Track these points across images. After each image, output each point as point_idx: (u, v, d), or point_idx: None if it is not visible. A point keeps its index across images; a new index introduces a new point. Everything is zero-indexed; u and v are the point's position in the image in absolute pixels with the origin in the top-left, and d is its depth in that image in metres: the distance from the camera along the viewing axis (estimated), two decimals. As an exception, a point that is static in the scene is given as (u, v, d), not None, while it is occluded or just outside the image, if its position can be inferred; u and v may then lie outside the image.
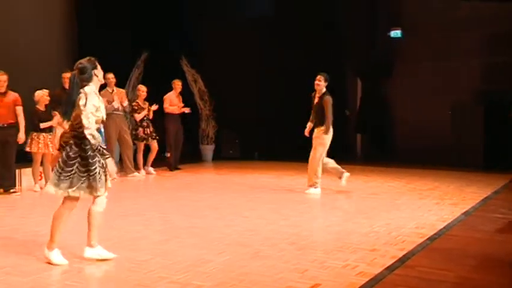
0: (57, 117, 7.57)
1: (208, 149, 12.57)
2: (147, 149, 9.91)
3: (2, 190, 7.35)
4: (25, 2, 10.55)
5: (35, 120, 7.61)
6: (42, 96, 7.70)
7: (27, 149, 7.59)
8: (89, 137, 3.95)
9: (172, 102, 10.16)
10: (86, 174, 4.00)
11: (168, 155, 10.27)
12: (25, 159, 7.79)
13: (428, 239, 4.90)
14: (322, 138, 7.39)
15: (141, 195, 7.91)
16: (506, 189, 8.13)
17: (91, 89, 4.08)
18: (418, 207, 6.47)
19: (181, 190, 7.99)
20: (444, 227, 5.38)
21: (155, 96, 10.08)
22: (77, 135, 4.00)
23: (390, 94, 12.32)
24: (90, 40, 11.16)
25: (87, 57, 4.18)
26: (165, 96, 10.13)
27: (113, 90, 9.22)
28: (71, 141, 4.03)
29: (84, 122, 3.94)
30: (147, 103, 9.83)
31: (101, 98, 4.21)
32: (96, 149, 3.99)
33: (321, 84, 7.46)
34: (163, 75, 10.89)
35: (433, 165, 10.57)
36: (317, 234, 5.30)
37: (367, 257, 4.25)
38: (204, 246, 4.55)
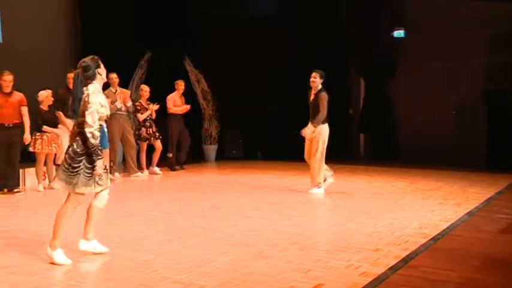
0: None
1: (211, 149, 12.58)
2: (151, 149, 9.92)
3: (5, 190, 7.37)
4: (28, 2, 10.58)
5: (39, 121, 7.63)
6: (46, 96, 7.73)
7: (31, 149, 7.62)
8: (88, 135, 3.98)
9: (176, 103, 10.18)
10: (91, 170, 4.04)
11: (170, 155, 10.28)
12: (28, 159, 7.82)
13: (431, 239, 4.89)
14: (320, 134, 7.34)
15: (144, 195, 7.92)
16: (509, 190, 8.11)
17: (95, 87, 4.12)
18: (421, 208, 6.46)
19: (184, 190, 8.00)
20: (447, 227, 5.37)
21: (158, 96, 10.10)
22: (83, 132, 4.03)
23: (393, 94, 12.30)
24: (93, 40, 11.18)
25: (91, 56, 4.21)
26: (168, 97, 10.15)
27: (116, 90, 9.23)
28: (78, 138, 4.05)
29: (88, 119, 3.98)
30: (150, 103, 9.84)
31: (103, 94, 4.26)
32: (93, 147, 3.99)
33: (316, 81, 7.44)
34: (166, 75, 10.91)
35: (436, 165, 10.55)
36: (320, 234, 5.30)
37: (370, 257, 4.25)
38: (207, 246, 4.55)
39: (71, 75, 8.21)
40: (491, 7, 10.78)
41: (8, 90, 7.24)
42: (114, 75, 8.97)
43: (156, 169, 9.92)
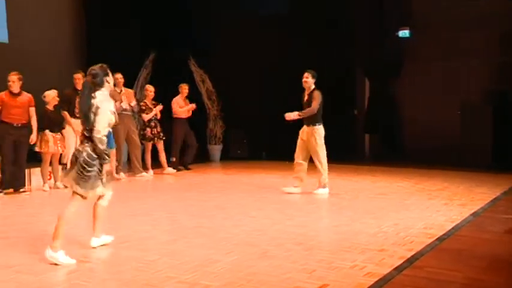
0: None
1: (216, 149, 12.59)
2: (155, 150, 9.94)
3: (12, 190, 7.41)
4: (34, 2, 10.63)
5: (45, 121, 7.66)
6: (53, 97, 7.77)
7: (37, 149, 7.65)
8: (96, 140, 4.10)
9: (180, 106, 10.23)
10: (101, 173, 4.20)
11: (174, 159, 10.29)
12: (35, 158, 7.85)
13: (437, 239, 4.87)
14: (317, 141, 7.30)
15: (148, 195, 7.93)
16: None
17: (104, 95, 4.24)
18: (427, 208, 6.44)
19: (189, 190, 8.01)
20: (453, 228, 5.35)
21: (163, 96, 10.12)
22: (92, 138, 4.15)
23: (398, 94, 12.27)
24: (98, 40, 11.24)
25: (100, 64, 4.35)
26: (172, 101, 10.20)
27: (121, 91, 9.26)
28: (88, 143, 4.17)
29: (97, 126, 4.11)
30: (155, 103, 9.87)
31: (112, 101, 4.39)
32: (100, 152, 4.13)
33: (308, 81, 7.42)
34: (171, 75, 10.93)
35: (442, 165, 10.52)
36: (325, 234, 5.29)
37: (375, 257, 4.24)
38: (211, 246, 4.56)
39: (77, 76, 8.27)
40: (498, 6, 10.73)
41: (16, 90, 7.27)
42: (119, 75, 8.99)
43: (169, 169, 9.96)
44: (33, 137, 7.45)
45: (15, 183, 7.43)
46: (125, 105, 9.13)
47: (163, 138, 9.95)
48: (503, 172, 9.67)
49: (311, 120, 7.35)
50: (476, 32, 11.03)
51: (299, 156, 7.49)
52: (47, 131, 7.67)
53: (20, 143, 7.33)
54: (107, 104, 4.19)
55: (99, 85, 4.23)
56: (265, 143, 12.53)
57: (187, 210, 6.30)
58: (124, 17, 11.67)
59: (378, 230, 5.20)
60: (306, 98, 7.46)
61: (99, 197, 4.41)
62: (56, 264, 4.03)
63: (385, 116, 12.26)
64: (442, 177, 9.19)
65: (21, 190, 7.48)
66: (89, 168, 4.13)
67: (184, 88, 10.36)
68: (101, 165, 4.18)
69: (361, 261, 4.13)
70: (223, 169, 11.26)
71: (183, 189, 8.13)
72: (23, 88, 7.40)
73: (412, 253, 4.38)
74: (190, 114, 10.40)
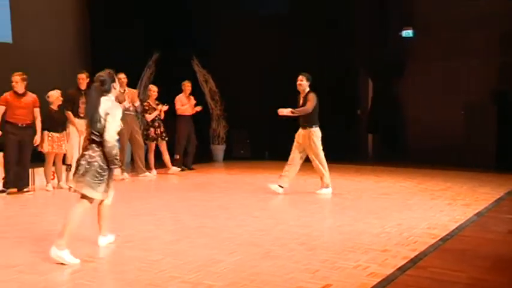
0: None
1: (219, 149, 12.60)
2: (159, 150, 9.95)
3: (15, 189, 7.43)
4: (37, 2, 10.65)
5: (49, 121, 7.68)
6: (57, 97, 7.79)
7: (40, 149, 7.66)
8: (109, 146, 4.22)
9: (183, 103, 10.23)
10: (111, 177, 4.36)
11: (177, 157, 10.32)
12: (38, 158, 7.87)
13: (440, 239, 4.86)
14: (315, 143, 7.29)
15: (152, 195, 7.94)
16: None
17: (112, 101, 4.35)
18: (430, 208, 6.43)
19: (192, 190, 8.01)
20: (456, 228, 5.34)
21: (166, 96, 10.14)
22: (104, 144, 4.25)
23: (402, 94, 12.26)
24: (102, 40, 11.25)
25: (107, 71, 4.44)
26: (176, 98, 10.21)
27: (124, 90, 9.26)
28: (99, 149, 4.25)
29: (108, 132, 4.22)
30: (158, 103, 9.88)
31: (120, 107, 4.55)
32: (111, 158, 4.25)
33: (303, 84, 7.42)
34: (174, 75, 10.94)
35: (445, 165, 10.50)
36: (328, 234, 5.29)
37: (378, 257, 4.23)
38: (215, 246, 4.56)
39: (81, 76, 8.28)
40: (501, 6, 10.70)
41: (20, 91, 7.29)
42: (122, 75, 9.00)
43: (174, 169, 9.97)
44: (37, 138, 7.47)
45: (18, 183, 7.46)
46: (127, 104, 9.14)
47: (166, 138, 9.96)
48: (507, 172, 9.65)
49: (307, 123, 7.33)
50: (479, 32, 11.01)
51: (293, 158, 7.47)
52: (51, 132, 7.68)
53: (25, 143, 7.36)
54: (117, 111, 4.32)
55: (106, 91, 4.34)
56: (268, 143, 12.53)
57: (191, 210, 6.30)
58: (128, 17, 11.69)
59: (381, 230, 5.19)
60: (301, 101, 7.46)
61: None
62: (61, 263, 4.03)
63: (388, 116, 12.25)
64: (445, 177, 9.17)
65: (25, 190, 7.50)
66: (104, 173, 4.24)
67: (187, 86, 10.37)
68: (111, 169, 4.29)
69: (364, 261, 4.12)
70: (227, 169, 11.26)
71: (186, 189, 8.13)
72: (27, 88, 7.41)
73: (416, 253, 4.37)
74: (194, 111, 10.41)
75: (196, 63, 12.47)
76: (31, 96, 7.42)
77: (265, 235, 5.01)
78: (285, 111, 7.34)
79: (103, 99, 4.30)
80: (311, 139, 7.31)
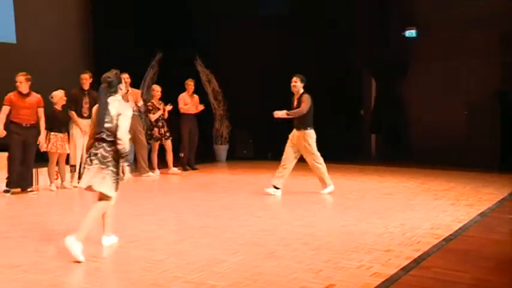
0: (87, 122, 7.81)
1: (222, 149, 12.61)
2: (162, 150, 9.97)
3: (19, 189, 7.46)
4: (41, 3, 10.68)
5: (53, 121, 7.70)
6: (60, 97, 7.81)
7: (44, 149, 7.68)
8: (122, 144, 4.34)
9: (186, 102, 10.25)
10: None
11: (182, 155, 10.35)
12: (42, 158, 7.89)
13: (443, 240, 4.86)
14: (309, 144, 7.27)
15: (155, 195, 7.95)
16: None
17: (120, 101, 4.47)
18: (433, 208, 6.42)
19: (195, 190, 8.02)
20: (460, 228, 5.33)
21: (169, 96, 10.15)
22: (117, 142, 4.37)
23: (405, 94, 12.24)
24: (104, 40, 11.27)
25: (114, 71, 4.54)
26: (179, 97, 10.22)
27: (127, 91, 9.27)
28: (111, 148, 4.37)
29: (120, 131, 4.34)
30: (162, 103, 9.90)
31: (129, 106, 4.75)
32: (125, 155, 4.39)
33: (297, 85, 7.41)
34: (177, 76, 10.95)
35: (448, 165, 10.48)
36: (331, 234, 5.28)
37: (381, 257, 4.23)
38: (218, 246, 4.57)
39: (84, 76, 8.30)
40: (502, 6, 10.67)
41: (24, 91, 7.31)
42: (126, 75, 8.99)
43: (174, 169, 9.99)
44: (40, 138, 7.49)
45: (22, 183, 7.48)
46: (131, 104, 9.15)
47: (170, 137, 9.98)
48: (509, 172, 9.62)
49: (302, 125, 7.31)
50: (484, 31, 10.98)
51: (286, 159, 7.47)
52: (55, 132, 7.70)
53: (28, 143, 7.38)
54: (128, 111, 4.45)
55: (113, 92, 4.44)
56: (271, 143, 12.52)
57: (194, 210, 6.31)
58: (130, 17, 11.71)
59: (384, 230, 5.19)
60: (295, 102, 7.46)
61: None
62: (69, 250, 4.08)
63: (391, 116, 12.24)
64: (448, 178, 9.16)
65: (29, 190, 7.52)
66: (118, 171, 4.40)
67: (190, 84, 10.38)
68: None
69: (367, 261, 4.12)
70: (230, 169, 11.27)
71: (190, 189, 8.14)
72: (31, 88, 7.43)
73: (419, 253, 4.37)
74: (198, 110, 10.43)
75: (200, 63, 12.48)
76: (35, 97, 7.44)
77: (268, 235, 5.01)
78: (280, 114, 7.37)
79: (111, 99, 4.40)
80: (306, 141, 7.30)
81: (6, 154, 7.45)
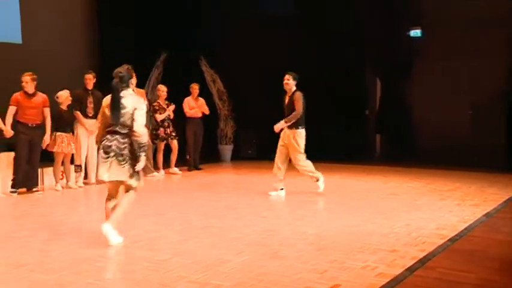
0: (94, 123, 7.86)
1: (226, 149, 12.61)
2: (168, 150, 9.99)
3: (25, 189, 7.49)
4: (46, 2, 10.72)
5: (59, 121, 7.73)
6: (66, 97, 7.84)
7: (50, 149, 7.70)
8: (141, 135, 4.48)
9: (190, 106, 10.30)
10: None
11: (188, 157, 10.41)
12: (47, 158, 7.92)
13: (449, 240, 4.85)
14: (298, 143, 7.24)
15: (160, 195, 7.96)
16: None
17: (133, 95, 4.66)
18: (439, 208, 6.40)
19: (200, 190, 8.03)
20: (465, 228, 5.31)
21: (174, 96, 10.17)
22: (134, 135, 4.52)
23: (410, 94, 12.20)
24: (109, 40, 11.29)
25: (126, 67, 4.68)
26: (184, 101, 10.30)
27: (132, 90, 9.29)
28: (127, 140, 4.51)
29: (137, 123, 4.49)
30: (168, 103, 9.93)
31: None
32: (144, 146, 4.54)
33: (289, 83, 7.39)
34: (182, 76, 10.97)
35: (453, 165, 10.44)
36: (336, 234, 5.28)
37: (387, 258, 4.22)
38: (222, 246, 4.57)
39: (88, 76, 8.33)
40: (508, 6, 10.62)
41: (30, 91, 7.34)
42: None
43: (175, 169, 10.01)
44: (46, 138, 7.51)
45: (28, 182, 7.51)
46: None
47: (176, 137, 10.01)
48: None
49: (293, 124, 7.28)
50: (489, 31, 10.93)
51: (279, 160, 7.45)
52: (60, 132, 7.73)
53: (34, 143, 7.41)
54: (142, 104, 4.62)
55: (125, 86, 4.59)
56: (275, 144, 12.50)
57: (199, 210, 6.32)
58: (135, 17, 11.73)
59: (389, 231, 5.18)
60: (287, 100, 7.44)
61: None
62: (109, 239, 4.48)
63: (396, 116, 12.21)
64: (454, 178, 9.12)
65: (34, 190, 7.55)
66: (135, 162, 4.52)
67: (194, 88, 10.43)
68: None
69: (372, 261, 4.12)
70: (234, 169, 11.27)
71: (194, 189, 8.15)
72: (37, 88, 7.45)
73: (424, 254, 4.36)
74: (202, 114, 10.46)
75: (204, 64, 12.49)
76: (41, 97, 7.47)
77: (273, 235, 5.01)
78: (279, 126, 7.34)
79: (124, 93, 4.55)
80: (295, 140, 7.26)
81: (12, 154, 7.48)
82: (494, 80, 10.98)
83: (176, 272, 3.84)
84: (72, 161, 8.12)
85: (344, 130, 11.89)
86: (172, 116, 9.96)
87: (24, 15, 10.24)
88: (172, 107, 9.90)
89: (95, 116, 8.28)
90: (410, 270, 3.93)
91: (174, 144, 9.96)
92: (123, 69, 4.63)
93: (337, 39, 11.91)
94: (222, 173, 10.54)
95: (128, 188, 4.61)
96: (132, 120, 4.48)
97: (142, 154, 4.55)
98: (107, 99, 4.67)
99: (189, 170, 10.33)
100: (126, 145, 4.49)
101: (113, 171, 4.47)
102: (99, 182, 4.87)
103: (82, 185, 8.21)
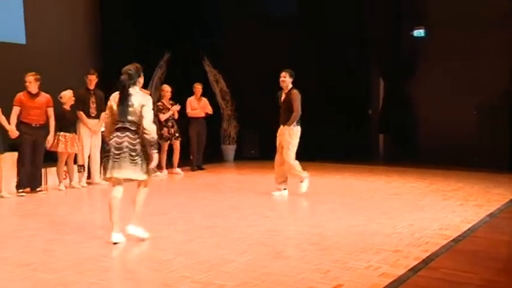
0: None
1: (230, 149, 12.62)
2: (171, 149, 9.99)
3: (29, 189, 7.50)
4: (51, 3, 10.74)
5: (63, 121, 7.75)
6: (69, 97, 7.86)
7: (53, 149, 7.72)
8: (150, 131, 4.55)
9: (193, 106, 10.32)
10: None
11: (192, 157, 10.42)
12: (51, 158, 7.94)
13: (452, 240, 4.84)
14: (291, 139, 7.22)
15: (163, 195, 7.96)
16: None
17: (140, 93, 4.69)
18: (442, 208, 6.39)
19: (203, 190, 8.04)
20: (469, 229, 5.30)
21: (177, 96, 10.18)
22: (143, 132, 4.60)
23: (413, 94, 12.18)
24: (113, 40, 11.30)
25: (135, 65, 4.75)
26: (186, 101, 10.31)
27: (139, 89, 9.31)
28: (136, 136, 4.59)
29: (146, 120, 4.55)
30: (172, 103, 9.94)
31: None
32: (154, 142, 4.62)
33: (286, 80, 7.37)
34: (185, 76, 10.97)
35: (456, 165, 10.42)
36: (339, 234, 5.27)
37: (390, 258, 4.22)
38: (226, 246, 4.58)
39: (91, 76, 8.34)
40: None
41: (34, 91, 7.36)
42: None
43: (177, 170, 10.02)
44: (49, 138, 7.53)
45: (32, 182, 7.52)
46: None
47: (179, 138, 10.02)
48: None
49: (287, 119, 7.25)
50: (493, 31, 10.90)
51: (278, 160, 7.44)
52: (63, 132, 7.75)
53: (38, 143, 7.42)
54: (149, 101, 4.65)
55: (133, 84, 4.64)
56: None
57: (202, 210, 6.32)
58: (138, 17, 11.74)
59: (392, 231, 5.17)
60: (283, 97, 7.43)
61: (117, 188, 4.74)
62: (138, 237, 4.64)
63: (399, 116, 12.19)
64: (457, 178, 9.11)
65: (38, 189, 7.56)
66: (147, 157, 4.60)
67: (197, 88, 10.44)
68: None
69: (375, 261, 4.11)
70: (237, 169, 11.28)
71: (198, 189, 8.16)
72: (40, 88, 7.47)
73: (427, 254, 4.36)
74: (204, 114, 10.47)
75: (207, 64, 12.50)
76: (44, 97, 7.48)
77: (276, 235, 5.02)
78: (287, 129, 7.24)
79: (132, 90, 4.60)
80: (290, 137, 7.23)
81: (16, 154, 7.50)
82: (499, 80, 10.95)
83: (179, 272, 3.85)
84: (75, 161, 8.14)
85: (347, 130, 11.88)
86: (176, 116, 9.98)
87: (28, 15, 10.27)
88: (177, 107, 9.91)
89: (97, 116, 8.31)
90: (414, 270, 3.93)
91: (177, 145, 9.96)
92: (132, 67, 4.69)
93: (339, 40, 11.90)
94: (225, 173, 10.55)
95: (140, 183, 4.71)
96: (141, 117, 4.55)
97: (155, 151, 4.62)
98: (115, 96, 4.68)
99: (192, 170, 10.35)
100: (137, 141, 4.57)
101: (125, 169, 4.52)
102: (106, 180, 4.80)
103: (85, 184, 8.23)
